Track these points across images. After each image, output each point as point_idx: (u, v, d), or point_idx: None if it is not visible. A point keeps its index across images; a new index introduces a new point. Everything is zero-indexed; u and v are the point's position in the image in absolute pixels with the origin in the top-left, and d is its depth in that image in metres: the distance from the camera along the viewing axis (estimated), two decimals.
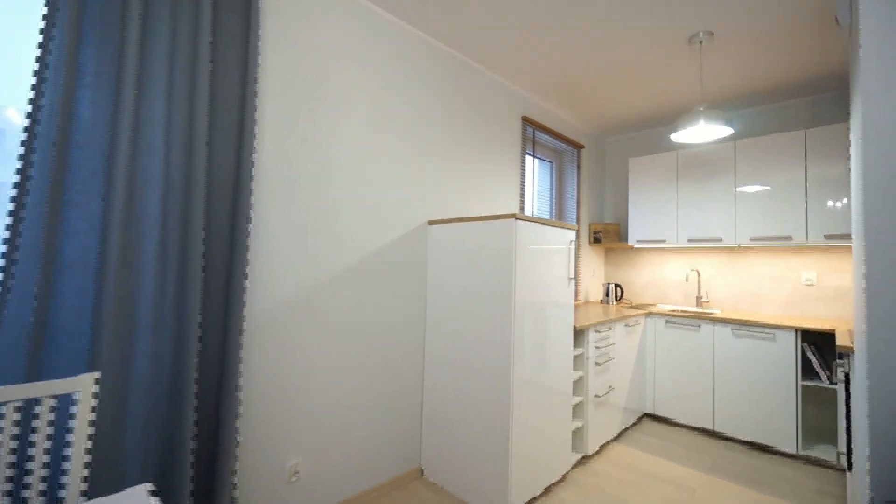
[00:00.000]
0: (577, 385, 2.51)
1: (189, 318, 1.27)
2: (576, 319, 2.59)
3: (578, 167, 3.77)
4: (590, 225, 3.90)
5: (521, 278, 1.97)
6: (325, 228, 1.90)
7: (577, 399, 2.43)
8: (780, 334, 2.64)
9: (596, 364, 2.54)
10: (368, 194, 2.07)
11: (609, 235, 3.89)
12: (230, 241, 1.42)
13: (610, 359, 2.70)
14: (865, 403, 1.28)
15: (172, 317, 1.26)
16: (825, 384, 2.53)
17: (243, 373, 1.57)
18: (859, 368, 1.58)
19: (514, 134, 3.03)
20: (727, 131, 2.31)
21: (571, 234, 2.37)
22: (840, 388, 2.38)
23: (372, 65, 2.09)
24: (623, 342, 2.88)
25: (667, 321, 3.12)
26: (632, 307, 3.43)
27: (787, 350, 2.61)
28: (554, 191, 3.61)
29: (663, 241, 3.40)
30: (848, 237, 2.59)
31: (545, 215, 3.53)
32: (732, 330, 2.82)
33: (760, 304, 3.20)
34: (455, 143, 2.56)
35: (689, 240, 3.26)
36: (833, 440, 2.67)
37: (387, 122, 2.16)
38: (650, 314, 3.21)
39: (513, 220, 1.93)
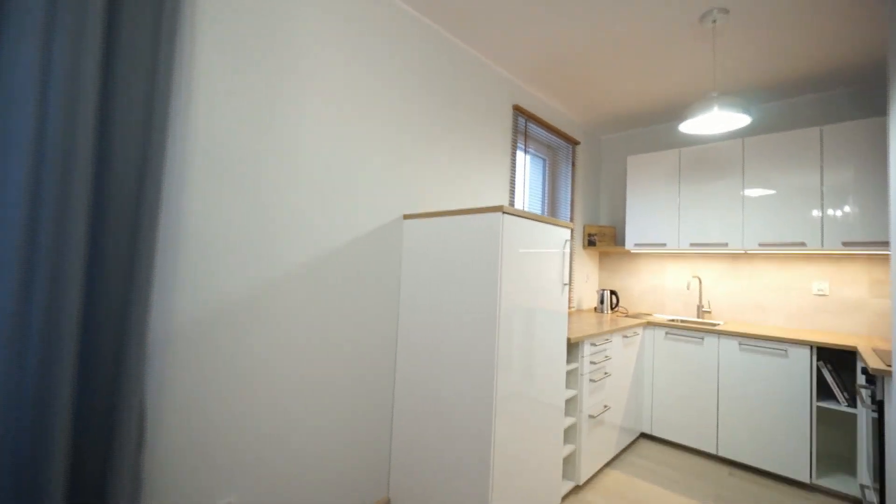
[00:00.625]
0: (570, 404, 2.22)
1: (63, 331, 0.96)
2: (569, 330, 2.31)
3: (573, 165, 3.51)
4: (584, 227, 3.64)
5: (509, 281, 1.68)
6: (282, 223, 1.60)
7: (569, 421, 2.15)
8: (793, 350, 2.39)
9: (591, 381, 2.26)
10: (336, 184, 1.77)
11: (605, 239, 3.63)
12: (132, 236, 1.11)
13: (606, 374, 2.42)
14: None
15: (40, 327, 0.94)
16: (843, 406, 2.28)
17: (156, 396, 1.25)
18: None
19: (504, 124, 2.76)
20: (744, 120, 2.06)
21: (566, 234, 2.09)
22: (862, 413, 2.13)
23: (348, 39, 1.80)
24: (620, 356, 2.61)
25: (667, 333, 2.86)
26: (628, 316, 3.16)
27: (800, 367, 2.36)
28: (547, 189, 3.35)
29: (663, 245, 3.14)
30: (869, 244, 2.36)
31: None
32: (739, 344, 2.57)
33: (766, 316, 2.96)
34: (439, 132, 2.27)
35: (692, 244, 3.01)
36: (850, 469, 2.42)
37: (362, 105, 1.86)
38: (649, 325, 2.94)
39: (500, 214, 1.65)
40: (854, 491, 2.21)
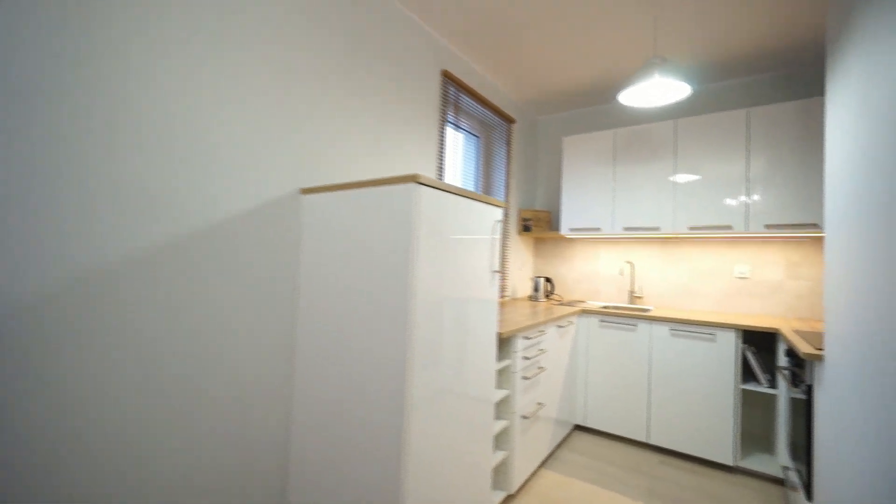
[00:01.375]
0: (501, 406, 2.00)
1: None
2: (501, 323, 2.07)
3: (508, 145, 3.29)
4: (519, 212, 3.45)
5: (426, 266, 1.38)
6: (127, 191, 1.15)
7: (500, 424, 1.92)
8: (720, 334, 2.36)
9: (524, 379, 2.05)
10: (210, 148, 1.34)
11: (540, 224, 3.47)
12: None
13: (540, 369, 2.23)
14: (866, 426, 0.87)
15: None
16: (764, 388, 2.29)
17: None
18: (840, 379, 1.23)
19: (432, 92, 2.44)
20: (683, 90, 1.92)
21: (497, 214, 1.83)
22: (782, 394, 2.13)
23: None
24: (555, 347, 2.44)
25: (601, 321, 2.76)
26: (563, 304, 3.03)
27: (727, 351, 2.34)
28: (481, 171, 3.09)
29: (598, 229, 3.04)
30: (790, 226, 2.37)
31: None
32: (671, 329, 2.51)
33: (694, 300, 2.96)
34: (353, 94, 1.90)
35: (626, 228, 2.92)
36: (771, 449, 2.47)
37: (248, 56, 1.43)
38: (583, 313, 2.82)
39: (414, 185, 1.33)
40: (775, 471, 2.23)
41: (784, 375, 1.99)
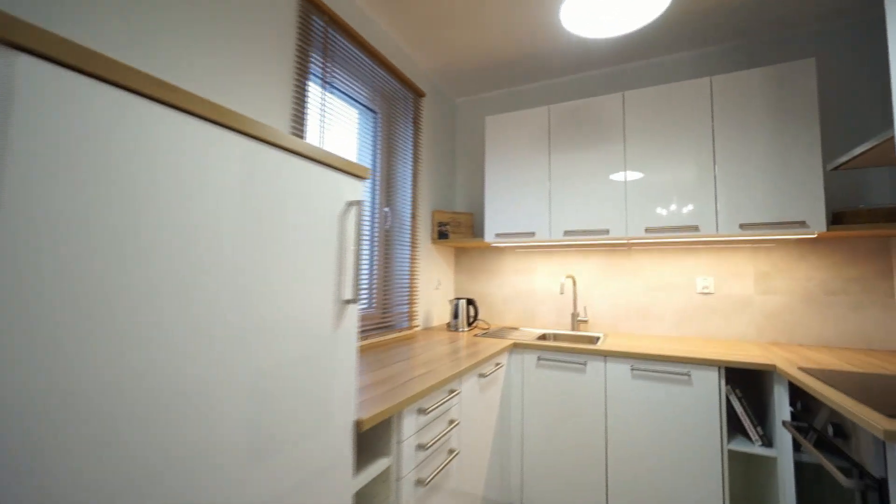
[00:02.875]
0: None
1: None
2: (377, 390, 1.21)
3: (416, 124, 2.49)
4: (433, 213, 2.65)
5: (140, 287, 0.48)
6: None
7: None
8: (698, 373, 1.72)
9: (418, 484, 1.19)
10: None
11: (460, 229, 2.70)
12: None
13: (451, 455, 1.39)
14: None
15: None
16: (757, 447, 1.66)
17: None
18: None
19: (279, 17, 1.56)
20: (656, 6, 1.24)
21: (353, 189, 0.98)
22: (785, 455, 1.50)
23: None
24: (475, 408, 1.63)
25: (539, 358, 2.01)
26: (489, 334, 2.26)
27: (707, 396, 1.69)
28: (379, 156, 2.26)
29: (531, 234, 2.32)
30: (775, 226, 1.82)
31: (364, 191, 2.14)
32: (632, 368, 1.83)
33: (650, 323, 2.35)
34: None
35: (567, 233, 2.24)
36: None
37: None
38: (516, 347, 2.06)
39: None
40: None
41: (797, 434, 1.36)
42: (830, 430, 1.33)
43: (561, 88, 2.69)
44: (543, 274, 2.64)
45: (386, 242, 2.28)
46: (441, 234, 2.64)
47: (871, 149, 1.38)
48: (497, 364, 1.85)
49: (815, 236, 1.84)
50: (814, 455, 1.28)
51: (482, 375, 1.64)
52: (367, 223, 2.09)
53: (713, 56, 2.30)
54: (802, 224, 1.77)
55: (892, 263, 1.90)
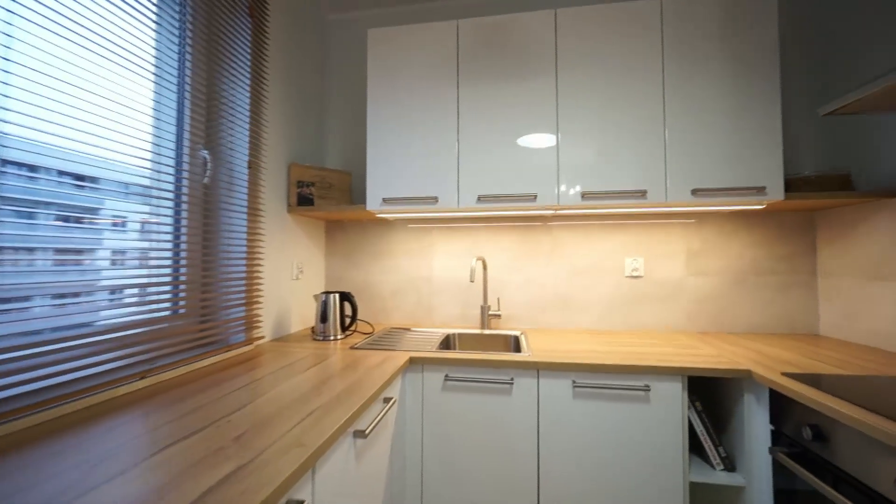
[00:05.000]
0: None
1: None
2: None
3: (258, 27, 1.59)
4: (289, 168, 1.80)
5: None
6: None
7: None
8: (658, 385, 1.28)
9: None
10: None
11: (332, 193, 1.91)
12: None
13: None
14: None
15: None
16: (719, 473, 1.30)
17: None
18: None
19: None
20: None
21: None
22: (760, 484, 1.13)
23: None
24: (347, 487, 0.91)
25: (447, 378, 1.38)
26: (372, 343, 1.55)
27: (668, 414, 1.27)
28: (189, 60, 1.31)
29: (433, 200, 1.66)
30: (728, 192, 1.46)
31: (143, 133, 1.18)
32: (574, 384, 1.32)
33: (573, 314, 1.91)
34: None
35: (481, 199, 1.63)
36: None
37: None
38: (413, 363, 1.39)
39: None
40: None
41: (794, 464, 0.98)
42: (808, 434, 0.97)
43: (471, 11, 2.05)
44: (444, 255, 2.02)
45: (205, 207, 1.38)
46: (303, 200, 1.81)
47: (877, 92, 1.04)
48: (386, 401, 1.15)
49: (763, 206, 1.56)
50: (819, 487, 0.90)
51: (359, 434, 0.93)
52: (169, 170, 1.17)
53: None
54: (761, 190, 1.45)
55: (817, 240, 1.75)
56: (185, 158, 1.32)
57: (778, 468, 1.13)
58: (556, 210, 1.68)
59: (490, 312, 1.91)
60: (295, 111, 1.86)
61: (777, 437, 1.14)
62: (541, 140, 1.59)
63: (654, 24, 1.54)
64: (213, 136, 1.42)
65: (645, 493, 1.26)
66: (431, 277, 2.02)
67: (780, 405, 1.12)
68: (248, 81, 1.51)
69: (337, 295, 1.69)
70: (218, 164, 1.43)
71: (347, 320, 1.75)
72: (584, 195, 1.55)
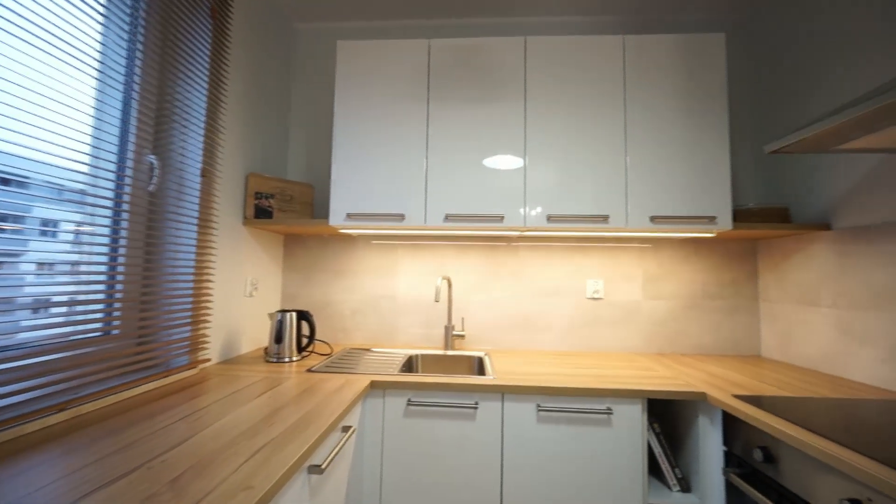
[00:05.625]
0: None
1: None
2: None
3: (219, 27, 1.51)
4: (248, 178, 1.70)
5: None
6: None
7: None
8: (620, 409, 1.29)
9: None
10: None
11: (293, 206, 1.82)
12: None
13: None
14: None
15: None
16: (674, 495, 1.32)
17: None
18: None
19: None
20: None
21: None
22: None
23: None
24: None
25: (410, 402, 1.32)
26: (331, 364, 1.47)
27: (629, 437, 1.28)
28: (140, 57, 1.21)
29: (400, 217, 1.63)
30: (683, 220, 1.54)
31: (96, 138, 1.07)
32: (538, 408, 1.30)
33: (536, 334, 1.92)
34: None
35: (449, 218, 1.61)
36: None
37: None
38: (374, 387, 1.33)
39: None
40: None
41: (748, 487, 1.01)
42: (760, 456, 1.02)
43: (443, 32, 2.08)
44: (409, 274, 1.98)
45: (150, 216, 1.27)
46: (261, 212, 1.71)
47: (817, 134, 1.14)
48: (345, 430, 1.08)
49: (713, 235, 1.66)
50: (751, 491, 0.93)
51: (315, 470, 0.86)
52: (109, 175, 1.06)
53: (631, 26, 2.01)
54: (712, 220, 1.54)
55: (758, 267, 1.88)
56: (129, 163, 1.21)
57: (730, 488, 1.16)
58: (521, 231, 1.70)
59: (454, 332, 1.87)
60: (256, 119, 1.78)
61: (729, 458, 1.18)
62: (509, 162, 1.61)
63: (618, 58, 1.62)
64: (162, 140, 1.32)
65: None
66: (395, 296, 1.97)
67: (732, 426, 1.16)
68: (205, 85, 1.43)
69: (294, 313, 1.60)
70: (167, 171, 1.32)
71: (304, 340, 1.65)
72: (549, 218, 1.58)
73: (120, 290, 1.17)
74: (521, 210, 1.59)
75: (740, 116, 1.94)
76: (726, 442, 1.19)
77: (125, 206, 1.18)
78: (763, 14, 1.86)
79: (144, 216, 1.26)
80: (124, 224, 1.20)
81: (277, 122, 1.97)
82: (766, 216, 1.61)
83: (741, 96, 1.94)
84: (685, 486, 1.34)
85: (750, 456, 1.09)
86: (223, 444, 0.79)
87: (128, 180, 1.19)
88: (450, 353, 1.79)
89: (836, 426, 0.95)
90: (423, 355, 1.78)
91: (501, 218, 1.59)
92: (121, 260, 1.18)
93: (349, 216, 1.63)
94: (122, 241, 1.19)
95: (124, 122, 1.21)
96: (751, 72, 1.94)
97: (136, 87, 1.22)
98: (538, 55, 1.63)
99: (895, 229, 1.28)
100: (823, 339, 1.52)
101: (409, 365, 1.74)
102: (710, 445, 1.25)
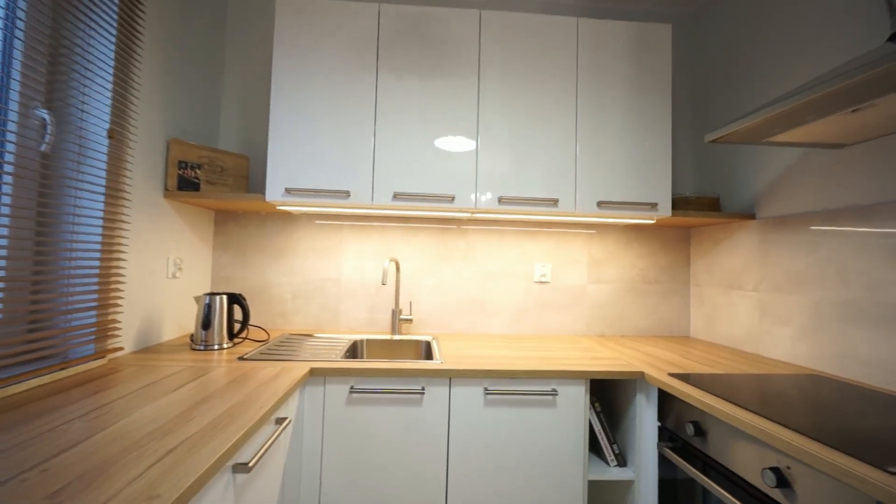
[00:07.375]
0: None
1: None
2: None
3: None
4: (168, 143, 1.51)
5: None
6: None
7: None
8: (565, 390, 1.31)
9: None
10: None
11: (225, 179, 1.65)
12: None
13: None
14: None
15: None
16: (612, 469, 1.38)
17: None
18: None
19: None
20: None
21: None
22: (647, 477, 1.23)
23: None
24: None
25: (353, 389, 1.26)
26: (267, 351, 1.35)
27: (572, 417, 1.31)
28: (20, 14, 1.00)
29: (345, 195, 1.52)
30: (629, 206, 1.58)
31: None
32: (485, 391, 1.29)
33: (485, 318, 1.91)
34: None
35: (397, 196, 1.53)
36: None
37: None
38: (314, 375, 1.24)
39: None
40: None
41: (680, 460, 1.06)
42: (691, 430, 1.08)
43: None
44: (354, 256, 1.88)
45: (42, 182, 1.07)
46: (186, 183, 1.53)
47: (751, 125, 1.19)
48: (279, 422, 1.00)
49: (653, 222, 1.73)
50: (694, 475, 0.99)
51: (240, 469, 0.77)
52: None
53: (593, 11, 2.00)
54: (654, 206, 1.59)
55: (690, 253, 1.99)
56: (13, 117, 1.00)
57: (663, 461, 1.23)
58: (471, 213, 1.66)
59: (402, 317, 1.82)
60: (180, 80, 1.57)
61: (663, 433, 1.24)
62: (461, 142, 1.55)
63: (571, 41, 1.61)
64: (57, 92, 1.11)
65: (548, 496, 1.28)
66: (340, 279, 1.87)
67: (667, 403, 1.22)
68: (114, 29, 1.22)
69: (224, 296, 1.45)
70: (63, 130, 1.12)
71: (237, 326, 1.51)
72: (500, 200, 1.55)
73: (2, 268, 0.98)
74: (473, 191, 1.55)
75: (680, 107, 2.02)
76: (661, 418, 1.24)
77: (6, 168, 0.98)
78: (716, 6, 1.92)
79: (35, 182, 1.06)
80: (6, 190, 1.00)
81: (208, 84, 1.76)
82: (700, 205, 1.70)
83: (682, 88, 2.02)
84: (622, 462, 1.40)
85: (682, 430, 1.15)
86: (125, 446, 0.68)
87: (10, 138, 0.99)
88: (396, 337, 1.74)
89: (757, 399, 1.02)
90: (368, 340, 1.71)
91: (452, 198, 1.53)
92: (2, 232, 0.98)
93: (288, 191, 1.49)
94: (4, 211, 0.99)
95: (4, 68, 1.00)
96: (693, 64, 2.02)
97: (21, 28, 1.01)
98: (493, 30, 1.57)
99: (811, 219, 1.39)
100: (746, 321, 1.64)
101: (354, 351, 1.66)
102: (645, 421, 1.31)
